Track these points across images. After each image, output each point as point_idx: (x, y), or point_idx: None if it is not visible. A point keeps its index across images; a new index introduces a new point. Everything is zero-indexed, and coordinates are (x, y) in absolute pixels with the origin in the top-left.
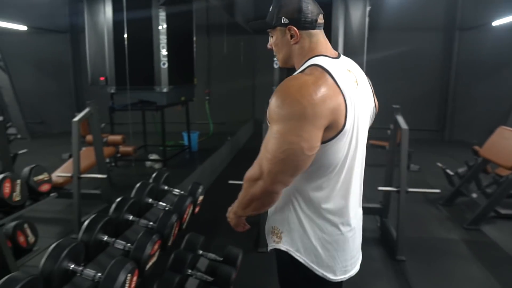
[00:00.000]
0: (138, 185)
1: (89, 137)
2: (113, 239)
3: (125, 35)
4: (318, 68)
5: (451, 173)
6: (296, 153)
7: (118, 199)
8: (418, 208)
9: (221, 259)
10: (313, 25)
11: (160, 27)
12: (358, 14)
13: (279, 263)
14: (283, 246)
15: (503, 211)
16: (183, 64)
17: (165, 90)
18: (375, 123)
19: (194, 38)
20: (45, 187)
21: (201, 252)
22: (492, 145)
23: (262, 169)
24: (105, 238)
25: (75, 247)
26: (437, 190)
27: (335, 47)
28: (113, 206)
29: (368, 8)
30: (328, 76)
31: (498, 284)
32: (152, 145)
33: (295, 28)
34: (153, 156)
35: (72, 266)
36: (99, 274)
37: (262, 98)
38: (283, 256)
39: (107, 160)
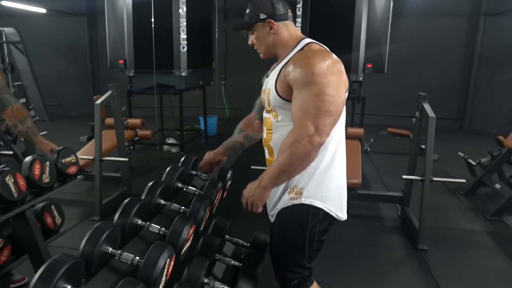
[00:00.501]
0: (168, 169)
1: (108, 120)
2: (148, 223)
3: (145, 18)
4: (317, 45)
5: (474, 163)
6: (338, 104)
7: (150, 184)
8: (439, 198)
9: (248, 244)
10: (286, 16)
11: (180, 10)
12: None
13: (290, 220)
14: (306, 200)
15: None
16: (202, 48)
17: (184, 74)
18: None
19: (214, 22)
20: (72, 169)
21: (227, 237)
22: None
23: (310, 125)
24: (140, 222)
25: (113, 231)
26: (463, 180)
27: (357, 33)
28: (146, 190)
29: None
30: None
31: None
32: (168, 129)
33: (273, 21)
34: (170, 140)
35: (111, 249)
36: (138, 257)
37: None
38: (301, 210)
39: (126, 144)
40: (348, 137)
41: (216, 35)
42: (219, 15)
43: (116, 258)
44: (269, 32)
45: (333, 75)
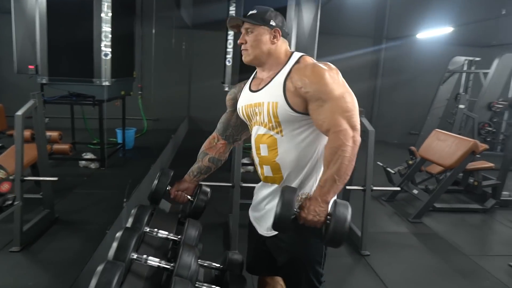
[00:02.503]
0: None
1: (25, 133)
2: (144, 256)
3: (61, 20)
4: (308, 57)
5: (392, 171)
6: (355, 99)
7: (134, 210)
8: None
9: (220, 266)
10: (287, 36)
11: (103, 14)
12: (311, 17)
13: (310, 229)
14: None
15: (437, 205)
16: (125, 56)
17: (106, 83)
18: None
19: (136, 29)
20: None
21: (199, 261)
22: (429, 146)
23: (348, 127)
24: (136, 256)
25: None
26: (398, 188)
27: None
28: (132, 217)
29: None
30: None
31: (452, 270)
32: (81, 143)
33: (280, 32)
34: (88, 155)
35: None
36: None
37: (198, 96)
38: None
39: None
40: None
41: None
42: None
43: None
44: (271, 40)
45: (339, 76)
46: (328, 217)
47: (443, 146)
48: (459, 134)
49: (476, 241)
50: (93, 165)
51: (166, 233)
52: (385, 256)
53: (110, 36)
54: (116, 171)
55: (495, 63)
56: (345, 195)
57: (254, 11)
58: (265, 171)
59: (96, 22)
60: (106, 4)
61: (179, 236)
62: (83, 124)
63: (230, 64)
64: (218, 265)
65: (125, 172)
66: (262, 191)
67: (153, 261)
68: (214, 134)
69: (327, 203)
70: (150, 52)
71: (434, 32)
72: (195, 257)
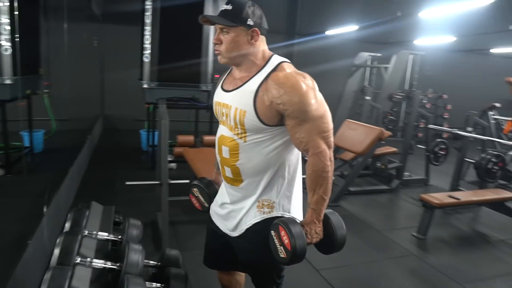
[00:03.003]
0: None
1: None
2: (88, 259)
3: None
4: (289, 64)
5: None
6: (331, 118)
7: (71, 214)
8: None
9: (158, 263)
10: (265, 32)
11: (0, 4)
12: None
13: (267, 233)
14: (277, 213)
15: (352, 189)
16: (28, 51)
17: (8, 81)
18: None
19: (40, 21)
20: None
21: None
22: (341, 135)
23: (326, 148)
24: (79, 259)
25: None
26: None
27: (206, 45)
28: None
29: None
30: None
31: (366, 245)
32: None
33: (258, 32)
34: None
35: None
36: None
37: (113, 93)
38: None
39: None
40: (205, 144)
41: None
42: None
43: None
44: (249, 41)
45: (318, 94)
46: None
47: (354, 135)
48: (366, 123)
49: (385, 217)
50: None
51: (106, 234)
52: None
53: (8, 28)
54: (25, 177)
55: (394, 58)
56: None
57: (229, 7)
58: (226, 172)
59: None
60: None
61: (119, 236)
62: None
63: (148, 60)
64: (155, 262)
65: (35, 178)
66: (228, 189)
67: (98, 263)
68: None
69: (321, 221)
70: (58, 48)
71: (341, 30)
72: (142, 255)
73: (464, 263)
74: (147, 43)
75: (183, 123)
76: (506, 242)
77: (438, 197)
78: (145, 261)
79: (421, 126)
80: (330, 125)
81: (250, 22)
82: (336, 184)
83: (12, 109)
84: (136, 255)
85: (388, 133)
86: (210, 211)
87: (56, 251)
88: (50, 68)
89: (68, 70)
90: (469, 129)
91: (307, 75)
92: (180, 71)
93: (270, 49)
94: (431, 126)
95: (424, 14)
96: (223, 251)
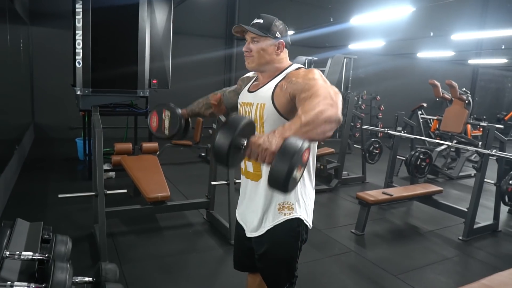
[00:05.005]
0: None
1: None
2: (8, 283)
3: None
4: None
5: None
6: (340, 96)
7: None
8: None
9: (93, 279)
10: (289, 45)
11: None
12: (164, 18)
13: (287, 233)
14: (296, 215)
15: None
16: None
17: None
18: None
19: None
20: None
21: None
22: None
23: (336, 101)
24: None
25: None
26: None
27: (142, 50)
28: None
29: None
30: None
31: (308, 245)
32: None
33: (284, 44)
34: None
35: None
36: None
37: (44, 100)
38: (292, 224)
39: None
40: (144, 152)
41: None
42: None
43: None
44: (275, 51)
45: (328, 83)
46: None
47: None
48: None
49: (326, 216)
50: None
51: (31, 253)
52: None
53: None
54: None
55: (329, 62)
56: (211, 190)
57: (260, 21)
58: (248, 166)
59: None
60: None
61: (46, 255)
62: None
63: (81, 66)
64: (90, 278)
65: None
66: (244, 188)
67: (20, 285)
68: (218, 94)
69: (283, 138)
70: None
71: None
72: (69, 273)
73: (398, 255)
74: (79, 48)
75: (122, 130)
76: (435, 233)
77: (373, 194)
78: (79, 278)
79: (358, 126)
80: (338, 97)
81: (278, 34)
82: None
83: None
84: (62, 274)
85: None
86: (236, 214)
87: None
88: None
89: None
90: (399, 128)
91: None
92: (116, 77)
93: (210, 54)
94: (365, 126)
95: (355, 21)
96: (248, 252)
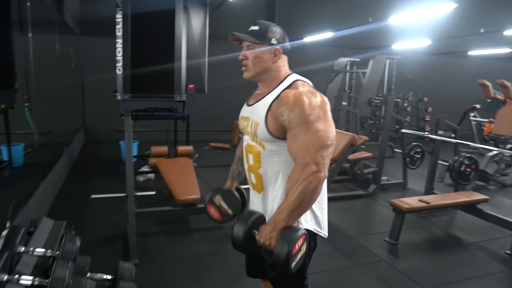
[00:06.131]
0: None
1: None
2: (16, 276)
3: None
4: (305, 83)
5: None
6: (332, 137)
7: (5, 232)
8: None
9: (111, 277)
10: (289, 51)
11: None
12: (200, 23)
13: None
14: (304, 226)
15: (328, 195)
16: (1, 66)
17: None
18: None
19: (12, 36)
20: None
21: (89, 274)
22: None
23: (316, 161)
24: (6, 277)
25: None
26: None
27: (179, 56)
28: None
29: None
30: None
31: (337, 252)
32: None
33: (281, 51)
34: None
35: None
36: None
37: (94, 105)
38: None
39: None
40: (179, 155)
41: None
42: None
43: None
44: (271, 58)
45: (324, 113)
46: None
47: None
48: (346, 128)
49: (359, 223)
50: None
51: (43, 250)
52: None
53: None
54: (1, 192)
55: (370, 63)
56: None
57: (256, 27)
58: (252, 178)
59: None
60: None
61: (57, 252)
62: None
63: (121, 72)
64: (108, 276)
65: (12, 192)
66: (252, 198)
67: (26, 279)
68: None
69: (280, 230)
70: (36, 61)
71: (317, 37)
72: (69, 270)
73: (433, 267)
74: (119, 55)
75: (163, 133)
76: (479, 245)
77: (408, 202)
78: (99, 274)
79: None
80: (324, 141)
81: (273, 41)
82: None
83: None
84: (63, 272)
85: (364, 138)
86: None
87: None
88: (29, 82)
89: (47, 83)
90: (440, 132)
91: (318, 94)
92: (153, 82)
93: None
94: (404, 130)
95: (393, 20)
96: (259, 259)
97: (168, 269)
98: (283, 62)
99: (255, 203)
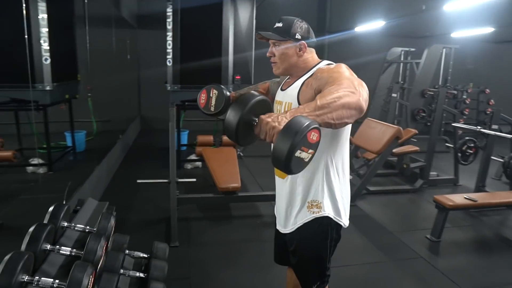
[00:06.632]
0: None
1: None
2: (57, 246)
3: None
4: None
5: None
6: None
7: (51, 208)
8: None
9: (148, 255)
10: (314, 44)
11: (40, 17)
12: (247, 16)
13: (315, 232)
14: (325, 213)
15: (371, 188)
16: (66, 59)
17: (48, 88)
18: None
19: (76, 31)
20: None
21: (127, 251)
22: (361, 134)
23: (355, 89)
24: (49, 247)
25: (28, 259)
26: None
27: (226, 47)
28: (47, 215)
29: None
30: None
31: (374, 246)
32: (29, 148)
33: (306, 44)
34: (35, 161)
35: (26, 277)
36: (57, 281)
37: (148, 95)
38: (322, 222)
39: None
40: (224, 144)
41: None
42: (81, 23)
43: (34, 285)
44: (297, 53)
45: (356, 76)
46: None
47: (373, 133)
48: (398, 121)
49: (402, 218)
50: (41, 170)
51: (83, 226)
52: None
53: (47, 41)
54: (64, 174)
55: (425, 53)
56: None
57: (280, 24)
58: None
59: (33, 26)
60: (40, 8)
61: (94, 228)
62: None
63: (171, 64)
64: (144, 254)
65: (72, 175)
66: (278, 184)
67: (65, 250)
68: (268, 84)
69: (291, 114)
70: (97, 54)
71: (369, 26)
72: (100, 244)
73: (476, 268)
74: (169, 48)
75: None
76: None
77: (452, 198)
78: (136, 252)
79: (461, 122)
80: (363, 88)
81: (298, 36)
82: (353, 184)
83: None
84: (95, 244)
85: (413, 131)
86: (275, 210)
87: (25, 239)
88: (91, 73)
89: (107, 75)
90: (495, 126)
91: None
92: (201, 73)
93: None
94: (455, 124)
95: (450, 7)
96: (284, 247)
97: (206, 253)
98: (310, 55)
99: (278, 191)
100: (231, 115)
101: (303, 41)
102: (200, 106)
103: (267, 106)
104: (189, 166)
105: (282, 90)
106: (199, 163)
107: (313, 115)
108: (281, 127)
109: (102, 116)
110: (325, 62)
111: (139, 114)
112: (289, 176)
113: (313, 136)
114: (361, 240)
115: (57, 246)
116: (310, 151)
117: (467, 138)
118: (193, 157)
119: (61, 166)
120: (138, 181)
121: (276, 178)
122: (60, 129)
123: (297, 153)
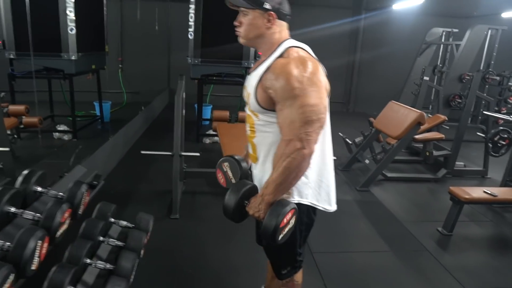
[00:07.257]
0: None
1: None
2: (21, 210)
3: None
4: (299, 49)
5: (350, 142)
6: (320, 112)
7: (25, 171)
8: None
9: (133, 225)
10: (285, 18)
11: None
12: None
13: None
14: (296, 199)
15: (389, 174)
16: (93, 31)
17: (73, 57)
18: None
19: (105, 2)
20: None
21: (112, 220)
22: (383, 117)
23: (300, 137)
24: (13, 209)
25: None
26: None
27: None
28: (20, 178)
29: None
30: (309, 55)
31: (378, 235)
32: (60, 115)
33: (275, 15)
34: (62, 127)
35: None
36: (8, 243)
37: (178, 67)
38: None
39: (9, 132)
40: (240, 120)
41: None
42: None
43: None
44: (265, 24)
45: (313, 85)
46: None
47: (394, 117)
48: (427, 106)
49: (415, 208)
50: (66, 137)
51: (55, 192)
52: (320, 222)
53: (74, 11)
54: (86, 142)
55: (467, 34)
56: None
57: None
58: (249, 148)
59: None
60: None
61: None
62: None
63: (192, 37)
64: (129, 224)
65: (94, 143)
66: (252, 168)
67: (28, 215)
68: None
69: (268, 203)
70: (129, 26)
71: (408, 3)
72: (61, 209)
73: (485, 268)
74: (191, 21)
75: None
76: None
77: (469, 191)
78: (121, 221)
79: (504, 111)
80: (310, 115)
81: (266, 5)
82: (370, 169)
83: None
84: (54, 209)
85: (442, 117)
86: None
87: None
88: (122, 45)
89: (137, 47)
90: None
91: (310, 62)
92: (223, 48)
93: (336, 26)
94: (487, 112)
95: None
96: None
97: (205, 227)
98: (279, 28)
99: (254, 173)
100: (230, 200)
101: (272, 12)
102: (224, 186)
103: (254, 190)
104: (207, 140)
105: (248, 74)
106: (217, 138)
107: (278, 194)
108: (262, 215)
109: (131, 88)
110: (287, 44)
111: (168, 87)
112: (259, 161)
113: (288, 215)
114: (366, 227)
115: (21, 210)
116: (288, 224)
117: (501, 128)
118: (211, 131)
119: (86, 134)
120: (142, 152)
121: (250, 161)
122: (89, 99)
123: (278, 234)
